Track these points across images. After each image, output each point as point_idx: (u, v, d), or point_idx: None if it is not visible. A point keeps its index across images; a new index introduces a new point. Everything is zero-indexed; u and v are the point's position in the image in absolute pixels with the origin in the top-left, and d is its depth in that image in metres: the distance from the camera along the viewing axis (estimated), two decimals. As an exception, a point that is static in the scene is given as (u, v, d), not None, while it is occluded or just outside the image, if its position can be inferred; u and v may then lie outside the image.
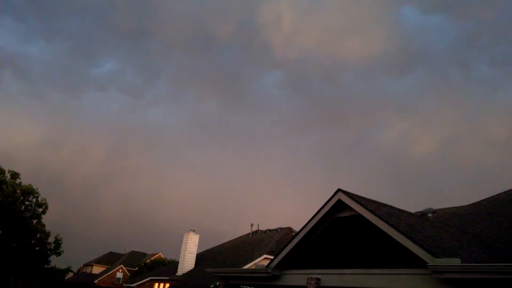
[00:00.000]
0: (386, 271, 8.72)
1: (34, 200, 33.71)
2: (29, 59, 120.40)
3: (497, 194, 16.37)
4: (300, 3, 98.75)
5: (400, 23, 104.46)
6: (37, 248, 33.22)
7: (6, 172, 33.18)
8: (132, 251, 73.24)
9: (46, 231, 33.94)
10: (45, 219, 34.39)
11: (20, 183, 33.53)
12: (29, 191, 33.45)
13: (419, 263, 7.91)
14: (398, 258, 8.73)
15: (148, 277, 30.94)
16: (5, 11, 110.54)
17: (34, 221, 33.48)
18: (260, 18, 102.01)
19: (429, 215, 16.85)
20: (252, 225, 31.88)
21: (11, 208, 30.75)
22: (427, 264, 7.62)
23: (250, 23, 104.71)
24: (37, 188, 34.13)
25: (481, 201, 16.83)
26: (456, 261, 7.34)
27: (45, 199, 34.41)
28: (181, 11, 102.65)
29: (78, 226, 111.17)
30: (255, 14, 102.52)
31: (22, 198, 32.97)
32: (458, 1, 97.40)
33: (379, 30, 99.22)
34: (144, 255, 71.49)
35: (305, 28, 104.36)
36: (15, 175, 33.55)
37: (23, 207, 32.75)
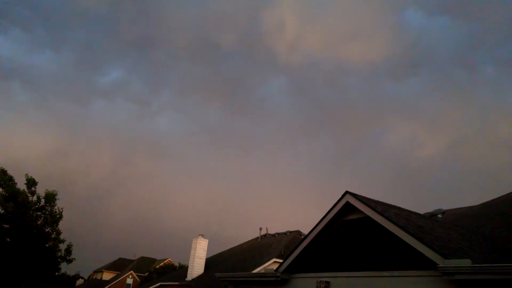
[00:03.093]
0: (396, 273, 8.67)
1: (49, 208, 33.68)
2: (37, 69, 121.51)
3: (507, 194, 16.21)
4: (303, 8, 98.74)
5: (404, 26, 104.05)
6: (48, 255, 33.32)
7: (23, 178, 32.99)
8: (142, 257, 73.39)
9: (61, 238, 33.97)
10: (59, 228, 34.40)
11: (35, 191, 33.45)
12: (50, 197, 33.31)
13: (429, 265, 7.85)
14: (407, 260, 8.67)
15: (158, 282, 30.94)
16: (13, 22, 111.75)
17: (47, 229, 33.55)
18: (263, 24, 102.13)
19: (438, 216, 16.72)
20: (260, 229, 31.80)
21: (22, 218, 30.90)
22: (437, 266, 7.57)
23: (253, 30, 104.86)
24: (56, 196, 33.94)
25: (490, 201, 16.67)
26: (466, 262, 7.28)
27: (62, 208, 34.35)
28: (185, 19, 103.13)
29: (87, 233, 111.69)
30: (258, 20, 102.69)
31: (37, 205, 32.90)
32: (462, 3, 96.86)
33: (383, 33, 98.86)
34: (153, 260, 71.60)
35: (309, 34, 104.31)
36: (32, 183, 33.27)
37: (35, 214, 32.80)
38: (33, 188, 33.27)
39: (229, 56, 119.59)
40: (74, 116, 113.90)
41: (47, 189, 33.61)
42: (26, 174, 33.27)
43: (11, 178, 32.75)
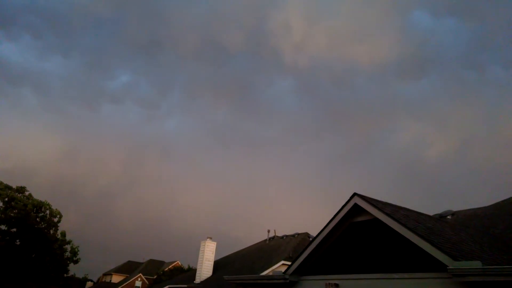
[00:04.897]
0: (405, 275, 8.59)
1: (47, 211, 34.24)
2: (47, 74, 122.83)
3: (518, 194, 16.00)
4: (310, 10, 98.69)
5: (411, 27, 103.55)
6: (57, 257, 33.68)
7: (13, 188, 33.81)
8: (151, 260, 73.58)
9: (67, 240, 34.42)
10: (63, 229, 34.91)
11: (30, 195, 34.07)
12: (40, 205, 34.08)
13: (438, 267, 7.77)
14: (417, 262, 8.59)
15: (166, 285, 31.01)
16: (23, 29, 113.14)
17: (51, 231, 33.99)
18: (270, 25, 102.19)
19: (448, 217, 16.55)
20: (268, 231, 31.74)
21: (25, 221, 31.36)
22: (447, 268, 7.48)
23: (260, 31, 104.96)
24: (46, 201, 34.70)
25: (501, 201, 16.48)
26: (477, 264, 7.19)
27: (58, 210, 34.91)
28: (192, 22, 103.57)
29: (97, 236, 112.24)
30: (264, 22, 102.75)
31: (34, 210, 33.55)
32: (469, 4, 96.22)
33: (390, 34, 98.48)
34: (162, 263, 71.74)
35: (316, 34, 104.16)
36: (21, 189, 34.20)
37: (37, 218, 33.32)
38: (25, 193, 33.88)
39: (237, 57, 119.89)
40: (84, 120, 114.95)
41: (32, 199, 34.15)
42: (16, 186, 34.01)
43: (10, 187, 33.37)
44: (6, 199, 32.35)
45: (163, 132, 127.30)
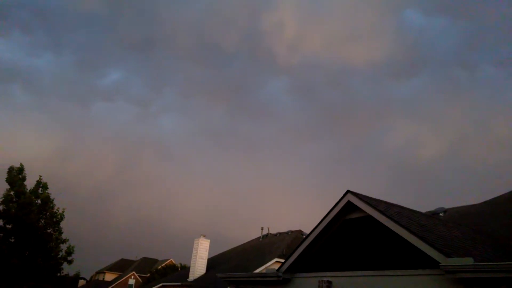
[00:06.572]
0: (398, 272, 8.63)
1: (49, 209, 33.78)
2: (38, 71, 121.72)
3: (510, 192, 16.13)
4: (303, 10, 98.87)
5: (404, 26, 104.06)
6: (52, 255, 33.36)
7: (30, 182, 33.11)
8: (144, 258, 73.39)
9: (63, 238, 34.03)
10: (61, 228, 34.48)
11: (42, 193, 33.52)
12: (46, 200, 33.52)
13: (431, 264, 7.82)
14: (410, 259, 8.63)
15: (160, 283, 30.96)
16: (13, 24, 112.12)
17: (49, 230, 33.60)
18: (264, 26, 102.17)
19: (440, 214, 16.66)
20: (262, 228, 31.75)
21: (24, 219, 30.93)
22: (440, 264, 7.53)
23: (254, 31, 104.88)
24: (54, 199, 34.20)
25: (493, 199, 16.60)
26: (469, 261, 7.24)
27: (64, 209, 34.47)
28: (186, 21, 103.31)
29: (90, 234, 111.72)
30: (259, 22, 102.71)
31: (39, 206, 33.03)
32: (460, 3, 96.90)
33: (383, 34, 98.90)
34: (155, 261, 71.59)
35: (309, 35, 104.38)
36: (43, 187, 33.47)
37: (37, 217, 32.85)
38: (40, 191, 33.34)
39: (232, 58, 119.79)
40: (75, 117, 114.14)
41: (45, 191, 33.67)
42: (40, 176, 33.54)
43: (23, 179, 32.78)
44: (14, 194, 31.78)
45: (157, 132, 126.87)
